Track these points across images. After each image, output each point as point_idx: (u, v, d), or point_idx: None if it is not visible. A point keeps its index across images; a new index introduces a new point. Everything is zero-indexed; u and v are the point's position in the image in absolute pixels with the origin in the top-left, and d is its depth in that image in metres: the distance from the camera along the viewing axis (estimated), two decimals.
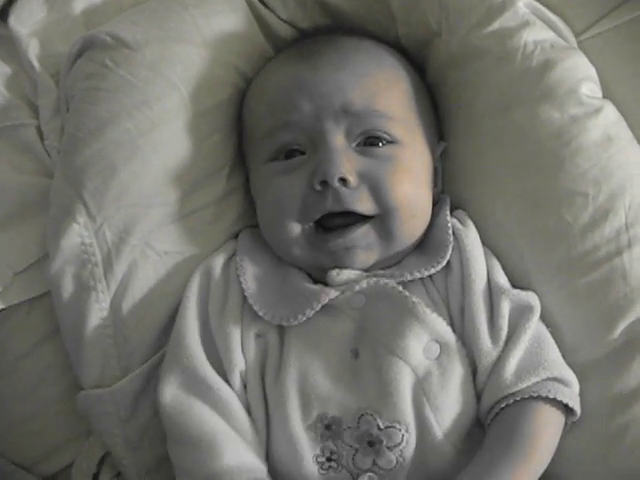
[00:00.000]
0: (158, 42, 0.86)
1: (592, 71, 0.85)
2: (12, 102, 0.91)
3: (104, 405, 0.82)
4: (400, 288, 0.77)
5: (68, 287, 0.82)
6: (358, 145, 0.81)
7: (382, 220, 0.80)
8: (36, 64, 0.91)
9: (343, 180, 0.78)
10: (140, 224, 0.83)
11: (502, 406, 0.75)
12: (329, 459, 0.74)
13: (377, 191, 0.79)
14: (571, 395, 0.76)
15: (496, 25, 0.84)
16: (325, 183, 0.78)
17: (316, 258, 0.81)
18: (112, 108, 0.84)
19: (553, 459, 0.78)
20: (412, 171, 0.81)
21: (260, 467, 0.74)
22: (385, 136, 0.81)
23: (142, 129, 0.84)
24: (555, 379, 0.76)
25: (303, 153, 0.81)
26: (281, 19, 0.93)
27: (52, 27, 0.94)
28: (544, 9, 0.86)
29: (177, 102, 0.85)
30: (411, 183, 0.81)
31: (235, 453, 0.73)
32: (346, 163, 0.78)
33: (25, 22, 0.94)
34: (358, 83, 0.81)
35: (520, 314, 0.78)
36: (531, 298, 0.80)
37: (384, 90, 0.82)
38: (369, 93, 0.81)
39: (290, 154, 0.82)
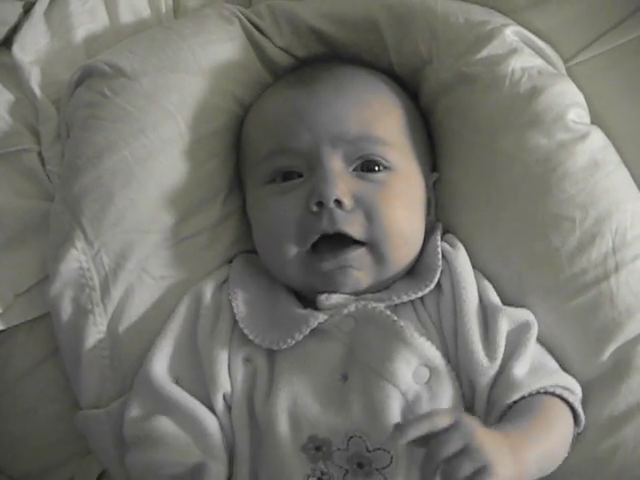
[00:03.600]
0: (155, 71, 0.88)
1: (580, 97, 0.86)
2: (15, 128, 0.93)
3: (100, 425, 0.83)
4: (388, 312, 0.78)
5: (67, 310, 0.84)
6: (355, 169, 0.82)
7: (377, 246, 0.81)
8: (38, 91, 0.93)
9: (338, 202, 0.79)
10: (136, 249, 0.85)
11: (511, 402, 0.75)
12: (320, 479, 0.74)
13: (372, 217, 0.80)
14: (576, 400, 0.77)
15: (484, 53, 0.85)
16: (321, 204, 0.79)
17: (309, 280, 0.82)
18: (110, 136, 0.86)
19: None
20: (405, 198, 0.83)
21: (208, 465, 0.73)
22: (382, 161, 0.82)
23: (139, 157, 0.85)
24: (562, 387, 0.77)
25: (300, 175, 0.83)
26: (277, 46, 0.94)
27: (54, 55, 0.96)
28: (532, 36, 0.88)
29: (173, 130, 0.87)
30: (404, 210, 0.82)
31: (175, 450, 0.75)
32: (342, 185, 0.80)
33: (28, 50, 0.96)
34: (354, 110, 0.82)
35: (519, 331, 0.79)
36: (527, 314, 0.81)
37: (380, 116, 0.83)
38: (365, 120, 0.82)
39: (287, 176, 0.83)
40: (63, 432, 0.90)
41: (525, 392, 0.76)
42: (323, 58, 0.94)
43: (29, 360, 0.90)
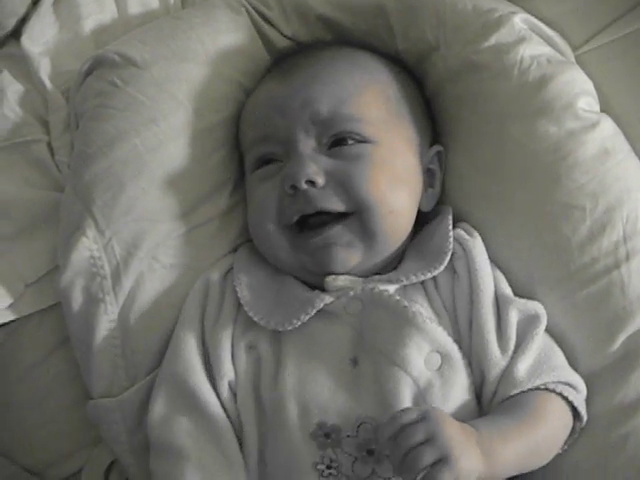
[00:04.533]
0: (165, 61, 0.88)
1: (589, 85, 0.86)
2: (24, 119, 0.93)
3: (112, 414, 0.84)
4: (397, 297, 0.78)
5: (78, 299, 0.84)
6: (328, 148, 0.82)
7: (359, 217, 0.80)
8: (47, 82, 0.94)
9: (311, 182, 0.79)
10: (147, 238, 0.85)
11: (510, 394, 0.76)
12: (329, 467, 0.74)
13: (346, 187, 0.79)
14: (578, 398, 0.78)
15: (493, 40, 0.85)
16: (295, 187, 0.79)
17: (300, 260, 0.82)
18: (120, 125, 0.86)
19: (553, 468, 0.79)
20: (387, 168, 0.81)
21: None
22: (354, 136, 0.81)
23: (149, 146, 0.86)
24: (564, 383, 0.78)
25: (281, 161, 0.83)
26: (285, 36, 0.94)
27: (63, 46, 0.97)
28: (541, 24, 0.87)
29: (183, 119, 0.87)
30: (385, 179, 0.80)
31: (201, 469, 0.75)
32: (313, 165, 0.80)
33: (37, 41, 0.96)
34: (325, 93, 0.82)
35: (528, 323, 0.79)
36: (537, 307, 0.81)
37: (353, 95, 0.83)
38: (336, 100, 0.82)
39: (268, 162, 0.84)
40: (74, 421, 0.90)
41: (524, 388, 0.76)
42: (318, 43, 0.94)
43: (40, 350, 0.90)
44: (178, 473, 0.75)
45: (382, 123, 0.83)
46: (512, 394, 0.76)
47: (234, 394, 0.79)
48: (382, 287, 0.79)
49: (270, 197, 0.82)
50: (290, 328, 0.77)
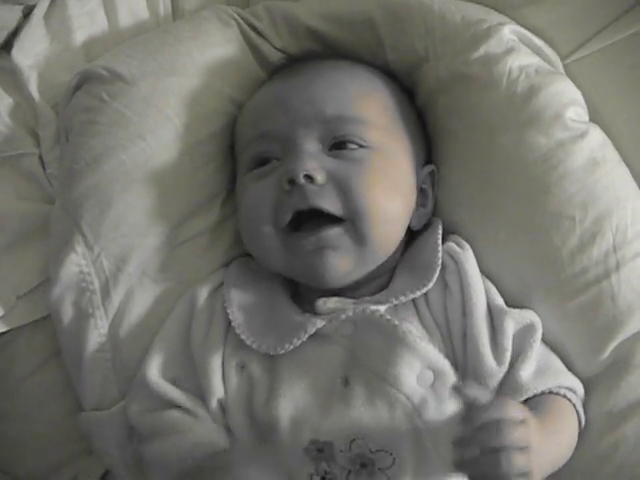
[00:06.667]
0: (152, 75, 0.88)
1: (578, 95, 0.86)
2: (16, 132, 0.93)
3: (103, 427, 0.84)
4: (388, 317, 0.77)
5: (68, 313, 0.85)
6: (330, 149, 0.81)
7: (354, 223, 0.79)
8: (36, 96, 0.93)
9: (310, 178, 0.78)
10: (136, 253, 0.85)
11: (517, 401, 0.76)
12: (324, 478, 0.74)
13: (345, 191, 0.78)
14: (578, 402, 0.79)
15: (481, 51, 0.85)
16: (292, 182, 0.78)
17: (289, 264, 0.81)
18: (108, 141, 0.86)
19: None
20: (385, 177, 0.80)
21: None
22: (357, 140, 0.81)
23: (137, 161, 0.86)
24: (566, 387, 0.78)
25: (277, 160, 0.83)
26: (275, 47, 0.94)
27: (53, 58, 0.97)
28: (530, 35, 0.87)
29: (171, 134, 0.87)
30: (382, 188, 0.80)
31: (201, 432, 0.77)
32: (313, 162, 0.79)
33: (27, 53, 0.96)
34: (330, 93, 0.82)
35: (524, 332, 0.79)
36: (532, 315, 0.81)
37: (357, 97, 0.83)
38: (341, 101, 0.82)
39: (265, 162, 0.83)
40: (68, 431, 0.90)
41: (531, 394, 0.77)
42: (317, 55, 0.94)
43: (33, 361, 0.91)
44: (177, 440, 0.77)
45: (383, 129, 0.83)
46: (520, 400, 0.76)
47: (223, 410, 0.80)
48: (373, 307, 0.78)
49: (265, 196, 0.80)
50: (282, 352, 0.77)
